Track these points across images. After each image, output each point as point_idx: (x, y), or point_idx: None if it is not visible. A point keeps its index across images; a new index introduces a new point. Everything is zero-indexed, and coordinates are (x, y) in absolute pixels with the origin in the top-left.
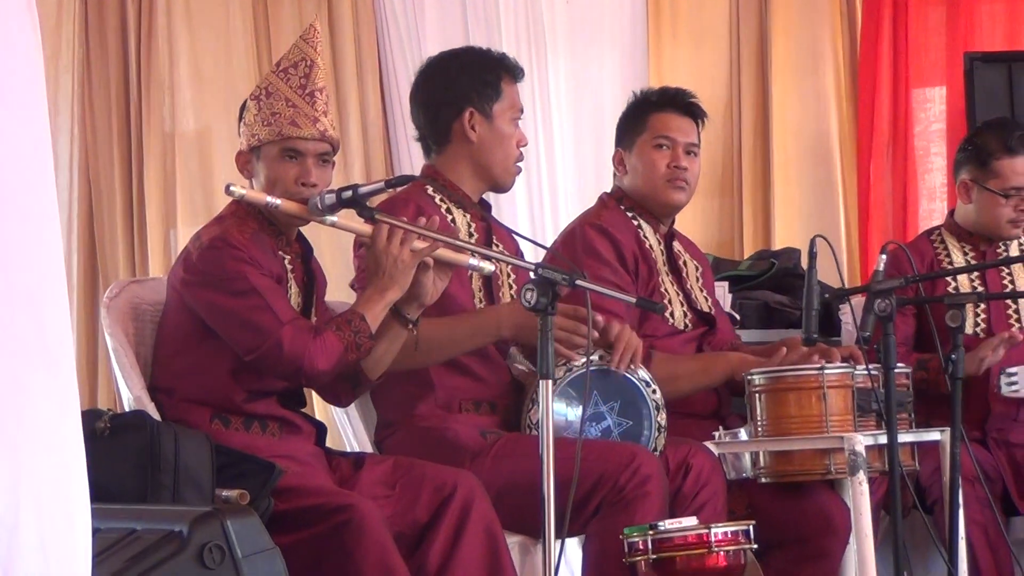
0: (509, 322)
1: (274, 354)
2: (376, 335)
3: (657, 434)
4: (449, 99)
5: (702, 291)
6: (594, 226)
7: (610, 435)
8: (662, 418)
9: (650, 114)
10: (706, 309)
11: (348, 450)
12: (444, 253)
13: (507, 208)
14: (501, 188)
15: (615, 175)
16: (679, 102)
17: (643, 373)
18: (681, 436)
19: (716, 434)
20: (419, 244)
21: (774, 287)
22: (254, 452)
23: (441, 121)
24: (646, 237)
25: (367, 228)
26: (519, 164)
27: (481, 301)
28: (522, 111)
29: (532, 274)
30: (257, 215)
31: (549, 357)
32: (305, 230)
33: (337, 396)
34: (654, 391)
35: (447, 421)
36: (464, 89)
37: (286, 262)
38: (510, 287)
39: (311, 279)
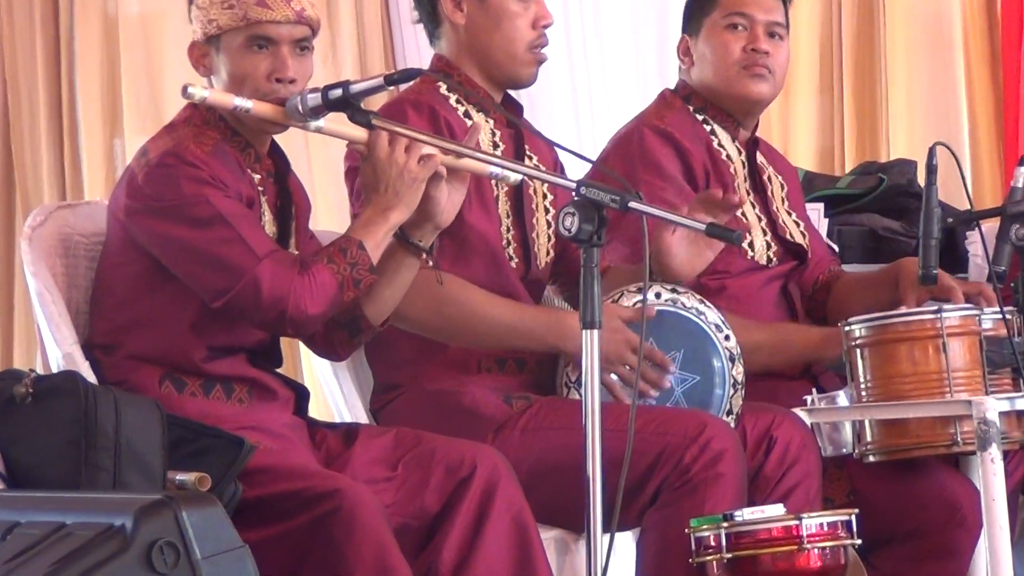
0: (575, 336)
1: (250, 298)
2: (379, 268)
3: (733, 392)
4: None
5: (790, 214)
6: (655, 130)
7: (671, 396)
8: (739, 372)
9: None
10: (795, 239)
11: (337, 421)
12: (462, 162)
13: (543, 112)
14: (516, 82)
15: (680, 68)
16: None
17: (713, 314)
18: (762, 402)
19: (808, 399)
20: (429, 149)
21: (882, 209)
22: (216, 423)
23: None
24: (721, 146)
25: (362, 134)
26: (538, 50)
27: (509, 230)
28: None
29: (574, 194)
30: (218, 122)
31: (595, 301)
32: (286, 144)
33: (332, 346)
34: (727, 337)
35: (463, 384)
36: None
37: (256, 181)
38: (546, 211)
39: (287, 202)
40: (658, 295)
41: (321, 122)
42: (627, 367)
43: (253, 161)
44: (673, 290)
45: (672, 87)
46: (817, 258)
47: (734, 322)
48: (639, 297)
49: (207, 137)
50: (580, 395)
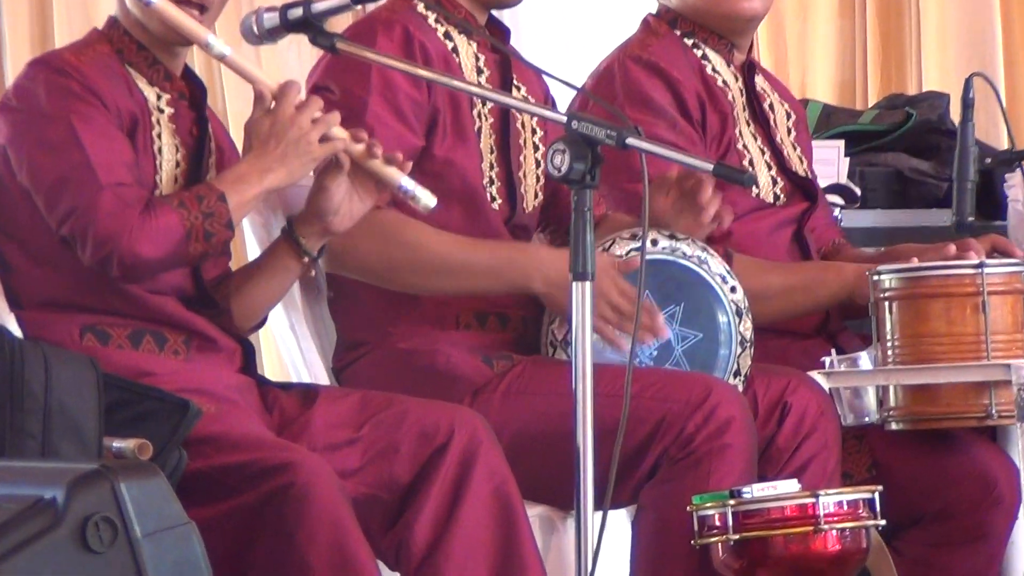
0: (548, 273)
1: (82, 228)
2: (257, 264)
3: (740, 352)
4: None
5: (795, 148)
6: (639, 61)
7: (671, 356)
8: (746, 328)
9: None
10: (802, 172)
11: (293, 380)
12: (370, 162)
13: (527, 37)
14: (500, 1)
15: None
16: None
17: (717, 264)
18: (775, 363)
19: (826, 360)
20: (337, 131)
21: (911, 148)
22: (150, 381)
23: None
24: (716, 71)
25: (268, 81)
26: None
27: (492, 167)
28: None
29: (565, 129)
30: (122, 37)
31: (587, 249)
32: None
33: None
34: (734, 289)
35: (437, 341)
36: None
37: (160, 102)
38: (535, 148)
39: (204, 134)
40: (655, 242)
41: (227, 49)
42: (611, 309)
43: (162, 79)
44: (672, 236)
45: (654, 11)
46: (821, 224)
47: (750, 265)
48: (633, 245)
49: (93, 51)
50: (568, 355)
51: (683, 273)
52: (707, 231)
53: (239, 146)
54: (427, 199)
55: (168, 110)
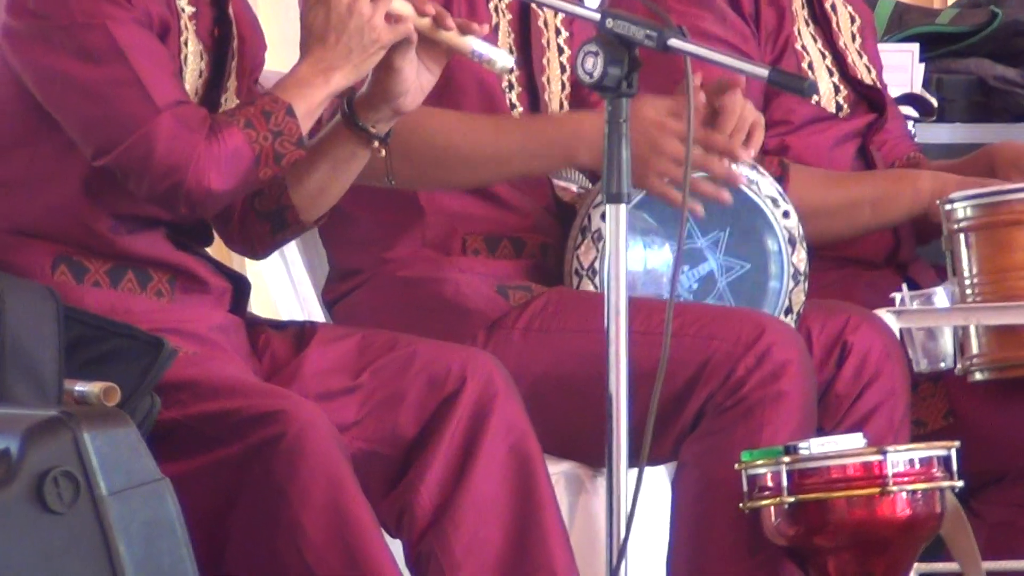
0: (593, 141)
1: (139, 159)
2: (318, 151)
3: (793, 286)
4: None
5: (861, 56)
6: None
7: (713, 288)
8: (800, 259)
9: None
10: (868, 81)
11: (285, 319)
12: (442, 34)
13: None
14: None
15: None
16: None
17: (768, 185)
18: (835, 299)
19: (896, 296)
20: (400, 5)
21: (996, 52)
22: (128, 321)
23: None
24: None
25: None
26: None
27: (512, 70)
28: None
29: (598, 28)
30: None
31: (623, 167)
32: None
33: (248, 240)
34: (787, 215)
35: (443, 269)
36: None
37: (183, 1)
38: (560, 50)
39: (227, 33)
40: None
41: None
42: (668, 160)
43: None
44: None
45: None
46: (892, 137)
47: (809, 176)
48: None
49: None
50: (597, 286)
51: (731, 193)
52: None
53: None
54: (503, 60)
55: (189, 9)
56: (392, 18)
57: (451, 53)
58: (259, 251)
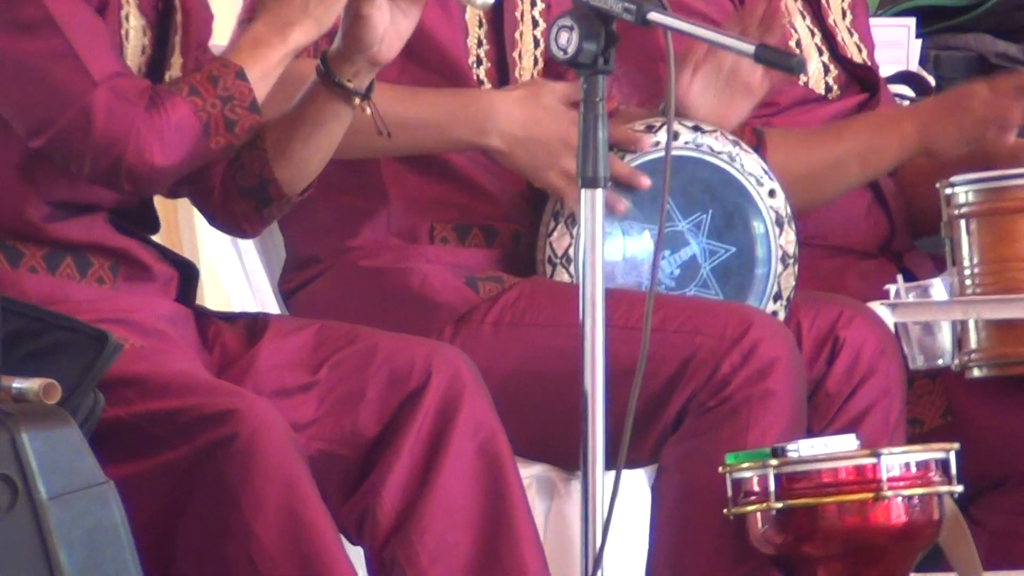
0: (505, 125)
1: (77, 136)
2: (297, 116)
3: (782, 269)
4: None
5: (852, 34)
6: None
7: (696, 275)
8: (788, 241)
9: None
10: (859, 60)
11: (237, 311)
12: None
13: None
14: None
15: None
16: None
17: (752, 162)
18: (826, 291)
19: (891, 288)
20: None
21: (996, 28)
22: (66, 312)
23: None
24: None
25: None
26: None
27: (481, 44)
28: None
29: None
30: None
31: (599, 149)
32: None
33: (233, 219)
34: (772, 193)
35: (409, 258)
36: None
37: None
38: (534, 23)
39: (170, 8)
40: (676, 136)
41: None
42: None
43: None
44: (696, 128)
45: None
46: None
47: (788, 140)
48: (652, 139)
49: None
50: (572, 275)
51: (710, 173)
52: (743, 112)
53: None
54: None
55: None
56: None
57: None
58: (247, 229)
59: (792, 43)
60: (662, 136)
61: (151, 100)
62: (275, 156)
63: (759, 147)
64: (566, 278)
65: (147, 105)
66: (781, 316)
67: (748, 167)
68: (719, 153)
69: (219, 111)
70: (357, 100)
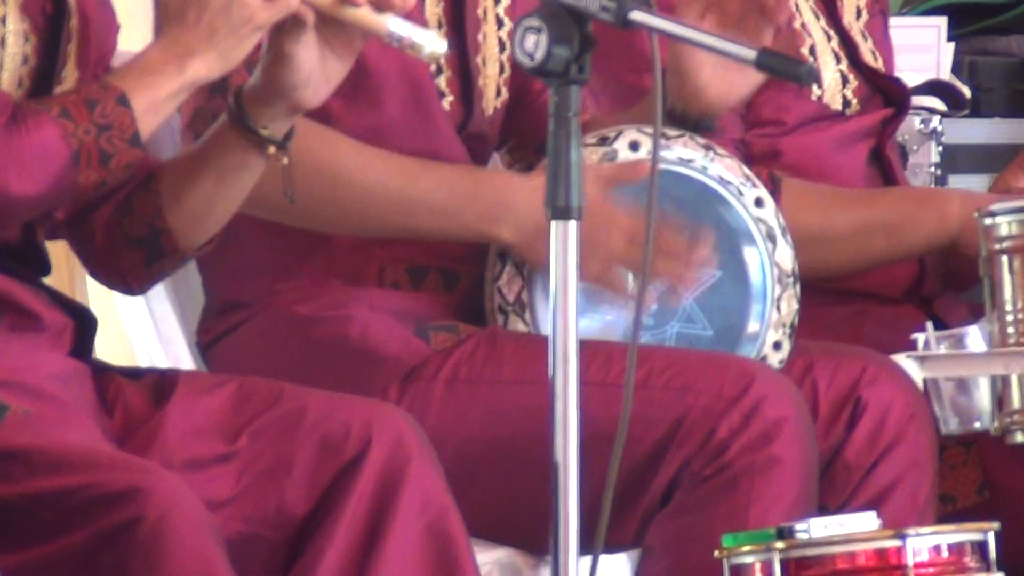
0: (523, 215)
1: None
2: (201, 161)
3: (780, 291)
4: None
5: (866, 38)
6: None
7: (677, 309)
8: (785, 257)
9: None
10: (878, 67)
11: (142, 366)
12: (347, 11)
13: None
14: None
15: None
16: None
17: (729, 167)
18: (843, 341)
19: (919, 337)
20: None
21: None
22: None
23: None
24: None
25: None
26: None
27: (442, 70)
28: None
29: None
30: None
31: (572, 174)
32: None
33: (118, 271)
34: (759, 202)
35: (350, 303)
36: None
37: None
38: (499, 22)
39: (63, 12)
40: (634, 146)
41: None
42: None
43: None
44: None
45: None
46: None
47: (808, 193)
48: (634, 155)
49: None
50: (529, 324)
51: (682, 187)
52: (751, 84)
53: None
54: (432, 44)
55: None
56: None
57: (365, 35)
58: (133, 285)
59: (805, 50)
60: (642, 153)
61: (11, 117)
62: (170, 203)
63: (773, 197)
64: (522, 328)
65: (5, 122)
66: (786, 347)
67: (726, 175)
68: (689, 162)
69: (93, 139)
70: (271, 149)
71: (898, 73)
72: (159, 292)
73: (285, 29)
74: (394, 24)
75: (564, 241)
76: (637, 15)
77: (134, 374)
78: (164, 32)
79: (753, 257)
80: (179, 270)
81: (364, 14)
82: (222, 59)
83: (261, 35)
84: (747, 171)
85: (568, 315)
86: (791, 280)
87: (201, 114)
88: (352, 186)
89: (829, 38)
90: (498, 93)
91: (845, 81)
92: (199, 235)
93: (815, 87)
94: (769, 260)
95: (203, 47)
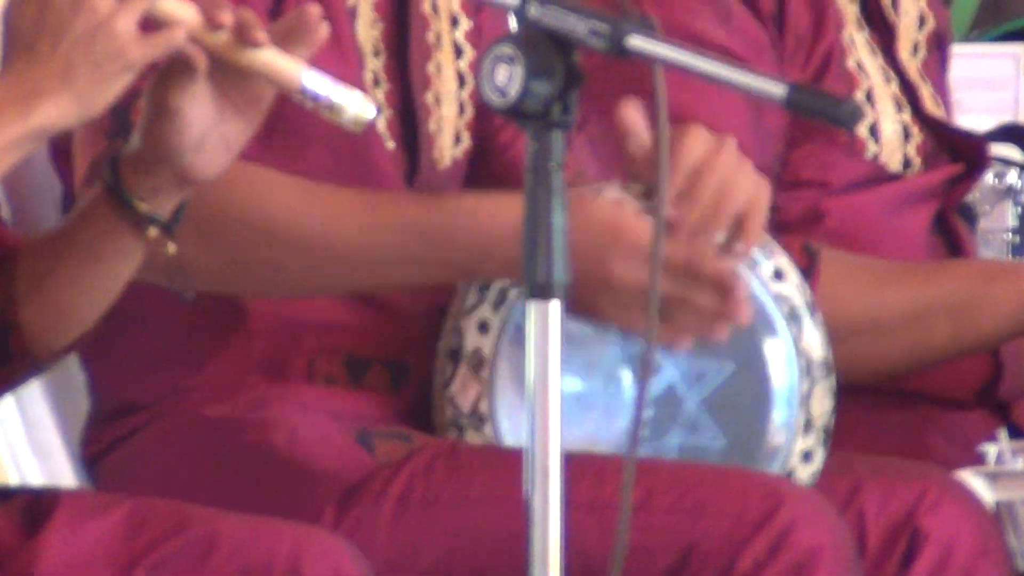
0: (510, 239)
1: None
2: (61, 238)
3: (809, 386)
4: None
5: (924, 80)
6: None
7: (679, 413)
8: (814, 344)
9: None
10: (941, 115)
11: (14, 484)
12: (248, 54)
13: None
14: None
15: None
16: None
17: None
18: (899, 456)
19: (989, 449)
20: (172, 5)
21: None
22: None
23: None
24: None
25: None
26: None
27: (379, 83)
28: None
29: (513, 17)
30: None
31: (553, 241)
32: None
33: None
34: (779, 274)
35: (274, 404)
36: None
37: None
38: (457, 50)
39: None
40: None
41: None
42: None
43: None
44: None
45: None
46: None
47: (855, 269)
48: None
49: None
50: (490, 437)
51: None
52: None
53: None
54: (356, 107)
55: None
56: (154, 24)
57: (273, 88)
58: None
59: (861, 94)
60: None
61: None
62: (26, 292)
63: (809, 272)
64: (480, 443)
65: None
66: (819, 457)
67: (763, 269)
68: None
69: None
70: (152, 231)
71: (967, 115)
72: (33, 392)
73: (170, 75)
74: (308, 78)
75: (543, 326)
76: (636, 41)
77: (2, 494)
78: (10, 65)
79: (773, 346)
80: (42, 375)
81: (269, 60)
82: (79, 103)
83: (131, 76)
84: (765, 236)
85: (550, 416)
86: (824, 371)
87: (100, 169)
88: (290, 246)
89: (888, 79)
90: (457, 140)
91: (907, 135)
92: (58, 336)
93: (871, 143)
94: (794, 348)
95: (56, 86)
